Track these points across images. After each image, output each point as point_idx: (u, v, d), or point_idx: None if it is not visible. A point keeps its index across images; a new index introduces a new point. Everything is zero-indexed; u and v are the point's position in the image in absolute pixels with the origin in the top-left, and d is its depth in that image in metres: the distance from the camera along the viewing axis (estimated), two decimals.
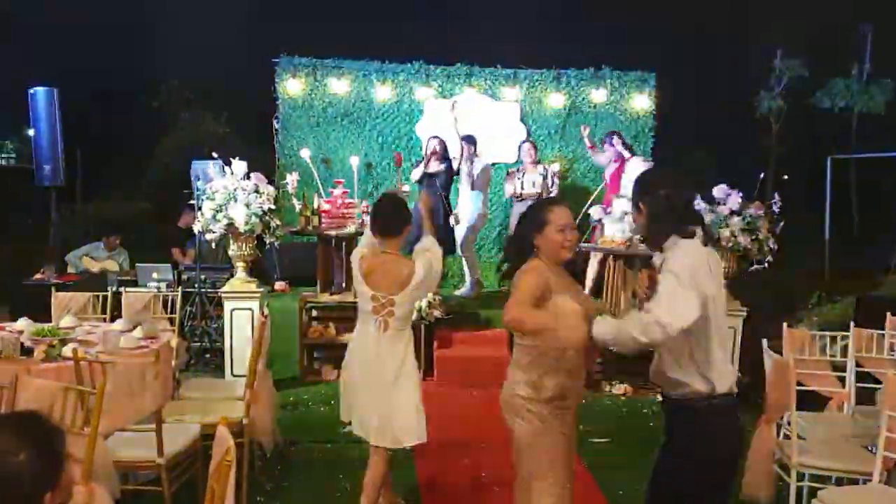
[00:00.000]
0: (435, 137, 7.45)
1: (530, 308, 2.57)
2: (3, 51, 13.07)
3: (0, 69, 12.03)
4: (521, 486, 2.82)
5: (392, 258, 3.46)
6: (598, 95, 9.31)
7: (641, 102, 9.35)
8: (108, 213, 10.82)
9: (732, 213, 5.68)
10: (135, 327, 4.39)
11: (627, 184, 7.16)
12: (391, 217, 3.51)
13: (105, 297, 5.36)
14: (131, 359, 3.59)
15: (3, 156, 16.52)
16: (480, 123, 8.65)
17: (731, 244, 5.65)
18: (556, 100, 9.29)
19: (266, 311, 4.54)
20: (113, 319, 5.01)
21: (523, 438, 2.78)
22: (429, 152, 7.35)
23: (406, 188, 7.41)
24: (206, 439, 3.82)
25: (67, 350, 3.88)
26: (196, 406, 4.16)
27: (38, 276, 7.09)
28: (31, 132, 7.63)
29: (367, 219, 7.06)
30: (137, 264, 7.52)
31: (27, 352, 3.88)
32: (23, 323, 4.30)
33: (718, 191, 5.75)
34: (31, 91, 7.40)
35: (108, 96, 14.99)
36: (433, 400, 6.14)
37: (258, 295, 6.03)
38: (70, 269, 7.96)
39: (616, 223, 6.85)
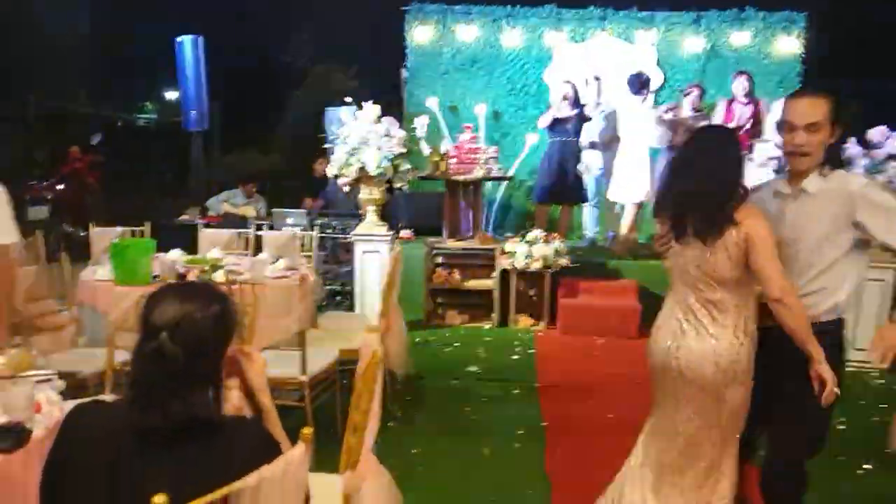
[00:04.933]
0: (567, 82, 7.31)
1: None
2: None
3: (145, 27, 12.69)
4: (713, 448, 2.58)
5: None
6: (740, 38, 8.79)
7: (788, 45, 8.76)
8: (245, 165, 11.36)
9: (890, 157, 5.26)
10: (277, 259, 4.61)
11: (768, 129, 6.73)
12: None
13: (247, 236, 5.66)
14: (278, 284, 3.76)
15: (144, 115, 17.81)
16: (614, 69, 8.39)
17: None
18: (694, 43, 8.85)
19: (399, 247, 4.64)
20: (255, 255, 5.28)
21: (738, 401, 2.51)
22: (560, 97, 7.22)
23: None
24: (341, 366, 4.02)
25: (218, 275, 4.13)
26: (332, 335, 4.34)
27: (183, 217, 7.57)
28: (168, 95, 8.06)
29: (494, 166, 7.20)
30: (273, 209, 7.87)
31: (181, 278, 4.16)
32: (176, 253, 4.60)
33: (876, 133, 5.33)
34: (178, 40, 7.78)
35: (242, 51, 15.60)
36: (556, 347, 6.18)
37: (388, 237, 6.17)
38: (211, 213, 8.44)
39: (760, 169, 6.47)
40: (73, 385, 3.26)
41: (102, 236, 5.22)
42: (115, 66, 13.67)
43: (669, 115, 7.06)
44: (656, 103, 8.14)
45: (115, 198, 10.03)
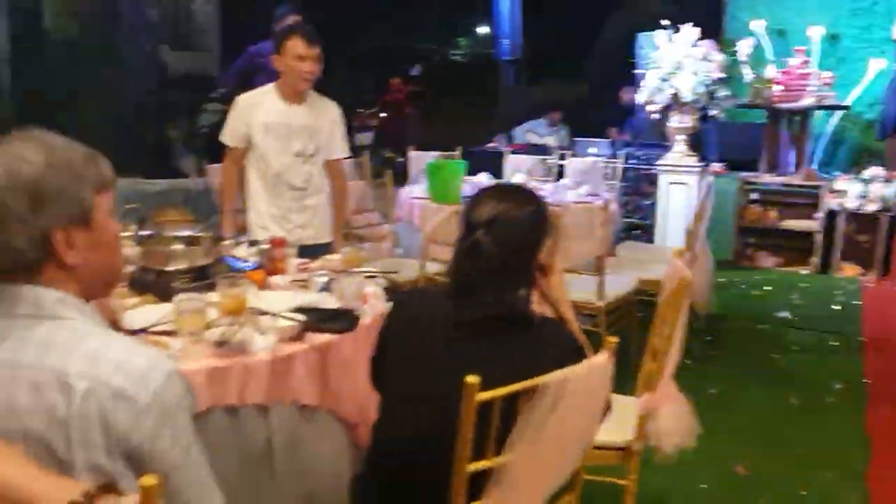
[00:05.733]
0: None
1: None
2: None
3: None
4: None
5: None
6: None
7: None
8: (551, 94, 11.43)
9: None
10: (580, 185, 4.59)
11: None
12: None
13: (549, 163, 5.72)
14: (579, 207, 3.76)
15: (458, 52, 18.73)
16: None
17: None
18: None
19: (710, 178, 4.36)
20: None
21: None
22: None
23: None
24: (638, 295, 3.92)
25: None
26: (631, 264, 4.24)
27: (490, 144, 7.87)
28: (480, 31, 8.25)
29: (828, 94, 6.36)
30: (576, 138, 7.84)
31: None
32: (483, 176, 4.82)
33: None
34: None
35: None
36: (889, 301, 5.41)
37: (696, 169, 5.83)
38: (516, 142, 8.66)
39: None
40: (389, 290, 3.60)
41: (419, 159, 5.62)
42: (434, 3, 14.46)
43: None
44: None
45: (430, 126, 10.75)
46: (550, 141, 8.45)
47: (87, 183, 1.14)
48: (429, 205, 4.18)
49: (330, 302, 2.25)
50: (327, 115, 3.33)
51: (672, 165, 5.87)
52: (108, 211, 1.19)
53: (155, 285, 2.29)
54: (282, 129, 3.23)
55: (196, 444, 1.14)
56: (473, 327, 1.54)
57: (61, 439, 1.04)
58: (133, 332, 1.96)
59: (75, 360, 1.08)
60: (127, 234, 2.43)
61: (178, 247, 2.44)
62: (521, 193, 1.64)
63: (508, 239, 1.54)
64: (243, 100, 3.33)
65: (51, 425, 1.05)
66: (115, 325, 1.97)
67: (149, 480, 0.94)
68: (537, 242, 1.61)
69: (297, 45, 3.12)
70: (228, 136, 3.33)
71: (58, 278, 1.14)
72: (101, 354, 1.09)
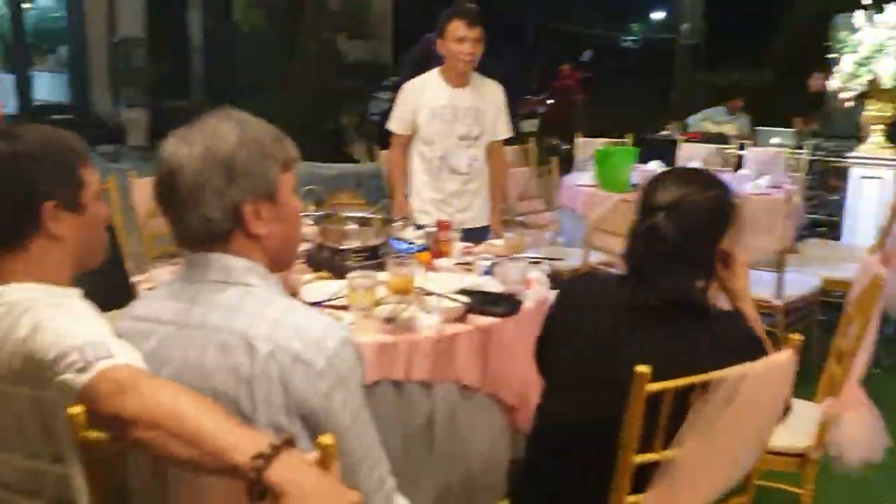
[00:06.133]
0: None
1: None
2: None
3: None
4: None
5: None
6: None
7: None
8: (730, 81, 10.83)
9: None
10: (760, 176, 4.33)
11: None
12: None
13: (726, 153, 5.43)
14: (760, 200, 3.55)
15: (631, 37, 18.08)
16: None
17: None
18: None
19: None
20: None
21: None
22: None
23: None
24: (822, 296, 3.64)
25: None
26: (814, 263, 3.95)
27: (663, 132, 7.58)
28: (654, 16, 7.92)
29: None
30: (757, 127, 7.40)
31: None
32: (655, 164, 4.65)
33: None
34: None
35: None
36: None
37: (894, 163, 5.31)
38: (690, 130, 8.28)
39: None
40: (552, 277, 3.57)
41: (586, 146, 5.53)
42: None
43: None
44: None
45: (599, 113, 10.52)
46: (729, 129, 8.02)
47: (274, 161, 1.22)
48: (595, 192, 4.10)
49: (493, 285, 2.27)
50: (492, 97, 3.35)
51: (865, 158, 5.38)
52: (290, 188, 1.27)
53: (330, 262, 2.42)
54: (447, 113, 3.28)
55: (365, 410, 1.19)
56: (647, 313, 1.50)
57: (246, 396, 1.12)
58: (310, 305, 2.08)
59: (259, 324, 1.15)
60: (305, 213, 2.57)
61: (352, 227, 2.56)
62: (705, 177, 1.57)
63: (689, 224, 1.48)
64: (409, 86, 3.41)
65: (237, 383, 1.13)
66: (295, 297, 2.09)
67: (326, 440, 1.00)
68: (720, 230, 1.54)
69: (457, 28, 3.15)
70: (395, 124, 3.43)
71: (245, 247, 1.22)
72: (282, 320, 1.16)
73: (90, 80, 9.49)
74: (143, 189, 3.44)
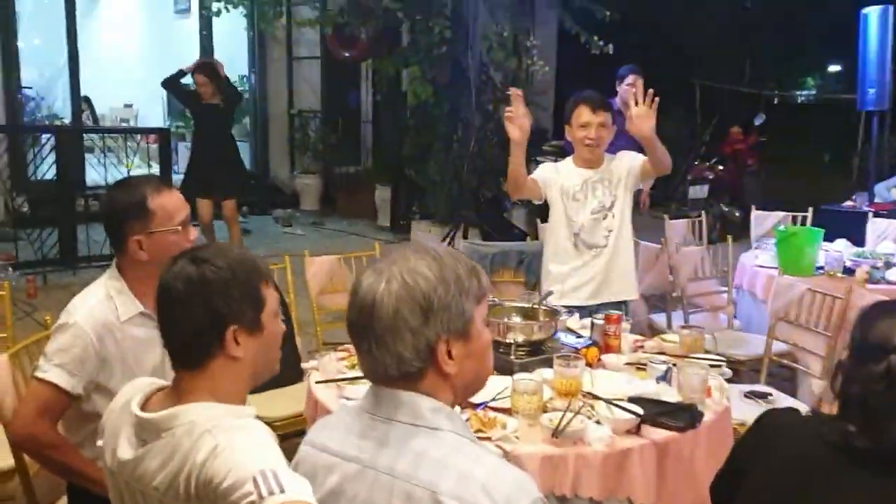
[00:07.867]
0: None
1: None
2: None
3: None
4: None
5: None
6: None
7: None
8: None
9: None
10: None
11: None
12: None
13: None
14: None
15: (803, 91, 17.01)
16: None
17: None
18: None
19: None
20: None
21: None
22: None
23: None
24: None
25: (892, 273, 3.70)
26: None
27: (849, 202, 6.98)
28: (831, 69, 7.39)
29: None
30: None
31: (848, 271, 3.85)
32: (842, 244, 4.28)
33: None
34: (864, 11, 7.14)
35: None
36: None
37: None
38: (877, 200, 7.59)
39: None
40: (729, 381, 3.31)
41: (762, 219, 5.19)
42: (780, 40, 13.42)
43: None
44: None
45: (772, 178, 9.92)
46: None
47: (469, 296, 1.19)
48: (778, 277, 3.78)
49: (670, 393, 2.11)
50: (622, 162, 3.20)
51: None
52: (483, 320, 1.25)
53: (494, 358, 2.35)
54: (578, 193, 3.18)
55: None
56: (866, 461, 1.31)
57: None
58: (475, 406, 2.02)
59: (447, 477, 1.11)
60: None
61: (516, 319, 2.50)
62: None
63: None
64: (546, 165, 3.39)
65: None
66: None
67: None
68: None
69: (582, 113, 3.11)
70: (536, 174, 3.33)
71: (435, 387, 1.20)
72: (470, 474, 1.11)
73: (270, 148, 10.22)
74: (315, 267, 3.60)
